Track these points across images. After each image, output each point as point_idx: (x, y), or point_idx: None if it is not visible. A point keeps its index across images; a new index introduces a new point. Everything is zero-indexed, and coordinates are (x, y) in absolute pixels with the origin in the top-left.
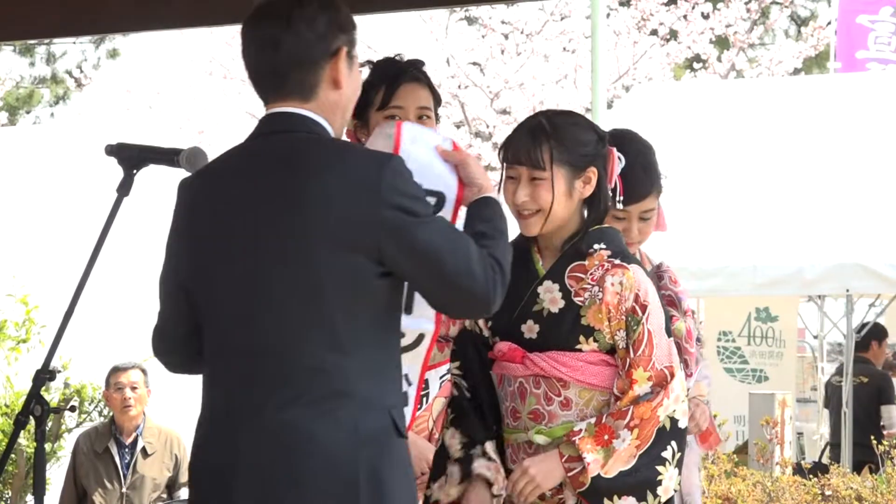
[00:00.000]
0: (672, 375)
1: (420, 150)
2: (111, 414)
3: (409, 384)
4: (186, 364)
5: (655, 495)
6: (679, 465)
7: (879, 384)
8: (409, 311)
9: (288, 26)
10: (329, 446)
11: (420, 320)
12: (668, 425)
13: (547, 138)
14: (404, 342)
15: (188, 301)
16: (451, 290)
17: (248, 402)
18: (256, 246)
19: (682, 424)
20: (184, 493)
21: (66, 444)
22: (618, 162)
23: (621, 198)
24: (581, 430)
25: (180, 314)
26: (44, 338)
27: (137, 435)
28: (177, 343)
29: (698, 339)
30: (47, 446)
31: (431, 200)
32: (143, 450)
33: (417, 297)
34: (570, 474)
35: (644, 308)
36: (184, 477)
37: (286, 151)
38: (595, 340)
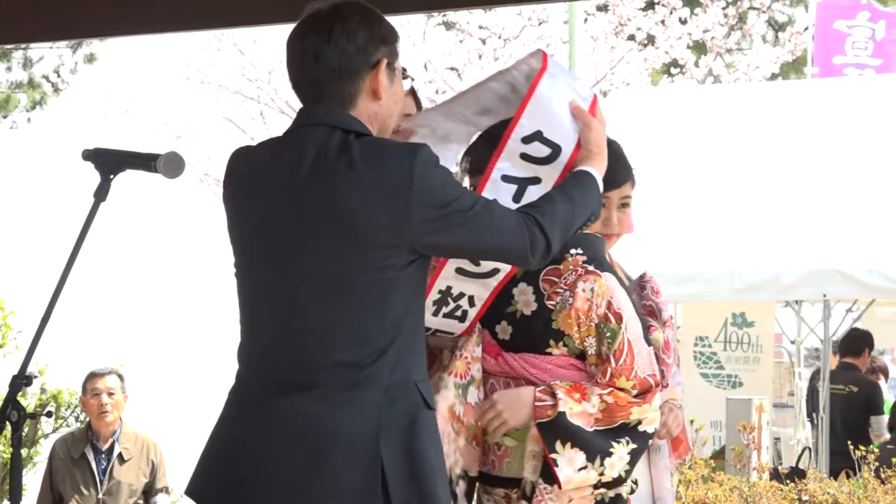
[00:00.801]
0: (657, 385)
1: (556, 97)
2: (88, 419)
3: (472, 306)
4: None
5: (602, 464)
6: (632, 463)
7: (869, 393)
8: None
9: (329, 39)
10: (351, 434)
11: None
12: (633, 424)
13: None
14: (477, 270)
15: None
16: (487, 257)
17: (275, 387)
18: (291, 238)
19: (644, 429)
20: (161, 500)
21: (43, 450)
22: None
23: None
24: (558, 383)
25: None
26: (20, 343)
27: (114, 441)
28: None
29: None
30: (23, 452)
31: (545, 151)
32: (120, 456)
33: None
34: (538, 404)
35: (620, 317)
36: (160, 483)
37: (323, 147)
38: (565, 345)
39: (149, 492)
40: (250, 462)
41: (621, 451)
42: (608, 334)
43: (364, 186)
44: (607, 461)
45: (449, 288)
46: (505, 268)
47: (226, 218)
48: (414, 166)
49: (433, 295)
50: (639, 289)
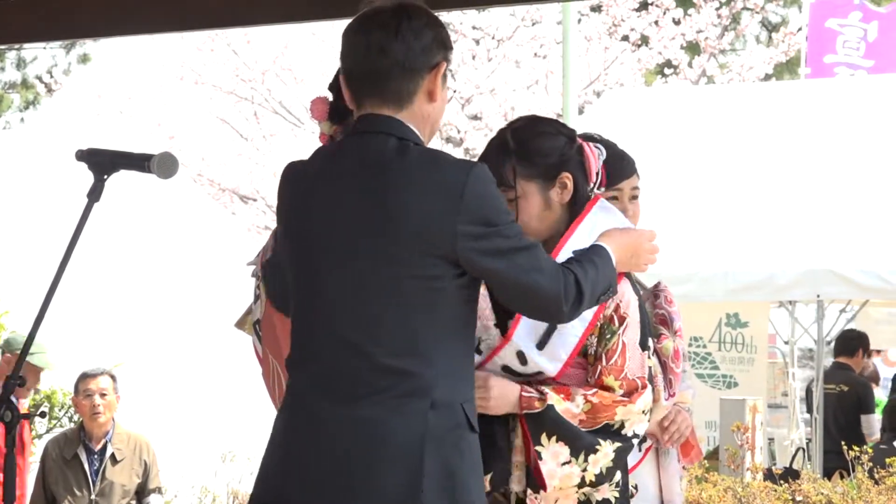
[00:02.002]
0: (643, 386)
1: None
2: (80, 420)
3: None
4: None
5: (586, 460)
6: (617, 462)
7: (860, 393)
8: (541, 347)
9: (396, 35)
10: (399, 440)
11: (544, 360)
12: (616, 426)
13: (510, 155)
14: (522, 370)
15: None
16: (519, 298)
17: (328, 394)
18: (346, 244)
19: (627, 431)
20: (154, 500)
21: (36, 451)
22: (597, 152)
23: (603, 188)
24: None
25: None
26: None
27: (106, 441)
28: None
29: (683, 355)
30: None
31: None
32: (112, 456)
33: (554, 338)
34: (525, 394)
35: (622, 319)
36: (153, 483)
37: (378, 154)
38: None
39: (141, 492)
40: (301, 467)
41: (607, 448)
42: (608, 335)
43: (417, 191)
44: (591, 458)
45: None
46: (548, 369)
47: (282, 231)
48: (469, 177)
49: None
50: (652, 297)
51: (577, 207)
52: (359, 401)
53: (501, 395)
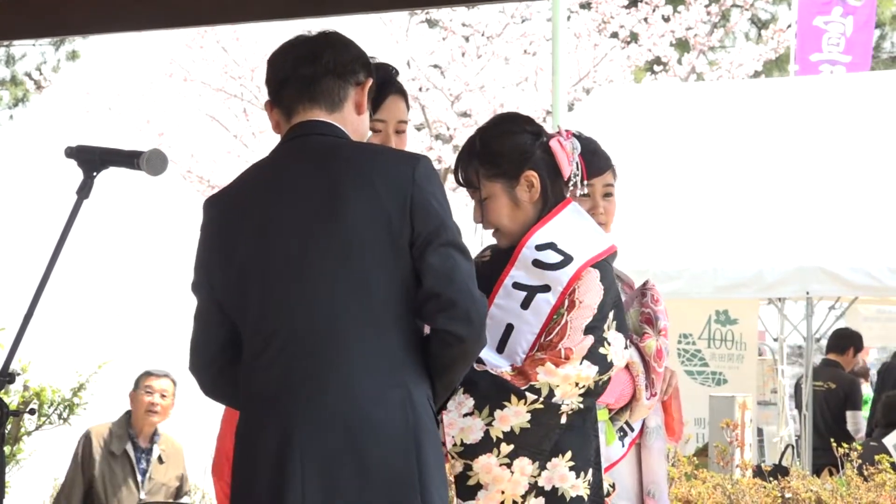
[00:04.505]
0: (567, 358)
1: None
2: (127, 414)
3: None
4: (219, 378)
5: (491, 414)
6: (533, 423)
7: (847, 389)
8: (501, 350)
9: (326, 46)
10: (388, 431)
11: (503, 360)
12: (544, 391)
13: (474, 157)
14: None
15: (222, 312)
16: (443, 300)
17: (300, 391)
18: (300, 243)
19: (556, 401)
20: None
21: (26, 448)
22: (569, 146)
23: (585, 181)
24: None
25: (218, 325)
26: (3, 340)
27: (154, 441)
28: (215, 355)
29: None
30: (7, 449)
31: (557, 258)
32: (160, 457)
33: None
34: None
35: (573, 305)
36: (186, 486)
37: (323, 151)
38: None
39: (177, 494)
40: (289, 462)
41: (520, 407)
42: (556, 317)
43: (363, 182)
44: (497, 413)
45: None
46: (506, 365)
47: (222, 261)
48: (417, 166)
49: None
50: (640, 296)
51: (549, 206)
52: (334, 394)
53: None
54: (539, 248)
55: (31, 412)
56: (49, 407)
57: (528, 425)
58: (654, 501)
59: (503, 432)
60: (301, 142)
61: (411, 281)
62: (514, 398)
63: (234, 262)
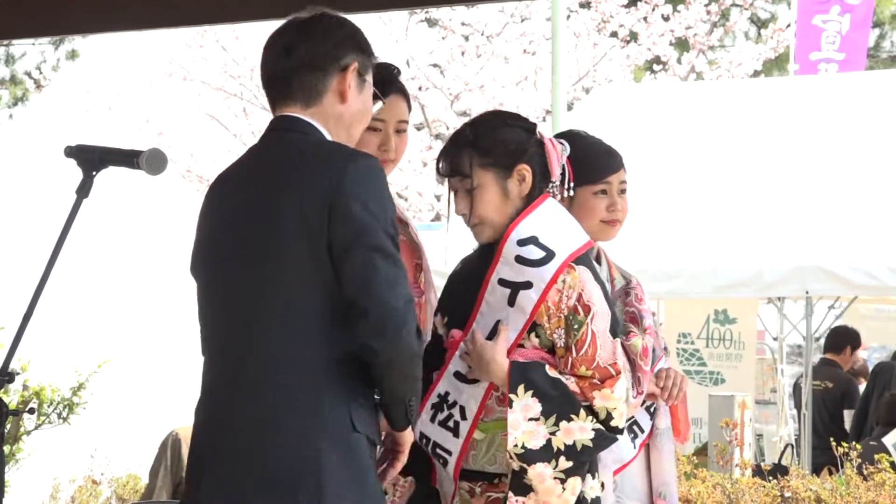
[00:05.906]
0: (617, 373)
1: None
2: None
3: (464, 419)
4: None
5: (556, 424)
6: (595, 442)
7: (844, 389)
8: None
9: (304, 34)
10: (292, 438)
11: None
12: (602, 415)
13: (467, 144)
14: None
15: None
16: (359, 311)
17: (223, 395)
18: (234, 242)
19: (616, 424)
20: None
21: (25, 447)
22: (559, 148)
23: (572, 184)
24: None
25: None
26: (2, 339)
27: None
28: None
29: (665, 348)
30: (6, 449)
31: (540, 254)
32: None
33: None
34: (510, 356)
35: (588, 309)
36: None
37: (281, 150)
38: (537, 336)
39: None
40: (210, 456)
41: (587, 423)
42: (575, 326)
43: (292, 186)
44: (563, 424)
45: (447, 394)
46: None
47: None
48: (347, 167)
49: (433, 398)
50: (623, 294)
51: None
52: (250, 400)
53: (494, 356)
54: (521, 242)
55: (31, 411)
56: (48, 406)
57: (591, 444)
58: (664, 503)
59: (565, 445)
60: (269, 137)
61: (336, 290)
62: (582, 413)
63: (199, 258)
